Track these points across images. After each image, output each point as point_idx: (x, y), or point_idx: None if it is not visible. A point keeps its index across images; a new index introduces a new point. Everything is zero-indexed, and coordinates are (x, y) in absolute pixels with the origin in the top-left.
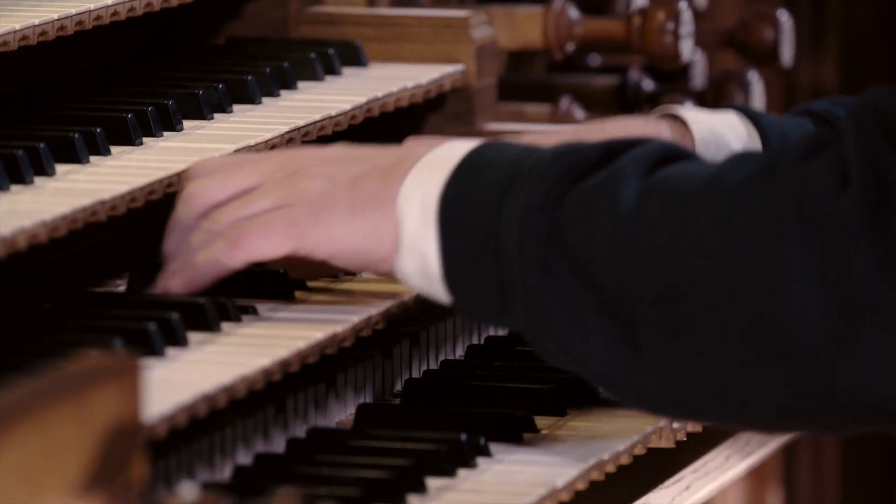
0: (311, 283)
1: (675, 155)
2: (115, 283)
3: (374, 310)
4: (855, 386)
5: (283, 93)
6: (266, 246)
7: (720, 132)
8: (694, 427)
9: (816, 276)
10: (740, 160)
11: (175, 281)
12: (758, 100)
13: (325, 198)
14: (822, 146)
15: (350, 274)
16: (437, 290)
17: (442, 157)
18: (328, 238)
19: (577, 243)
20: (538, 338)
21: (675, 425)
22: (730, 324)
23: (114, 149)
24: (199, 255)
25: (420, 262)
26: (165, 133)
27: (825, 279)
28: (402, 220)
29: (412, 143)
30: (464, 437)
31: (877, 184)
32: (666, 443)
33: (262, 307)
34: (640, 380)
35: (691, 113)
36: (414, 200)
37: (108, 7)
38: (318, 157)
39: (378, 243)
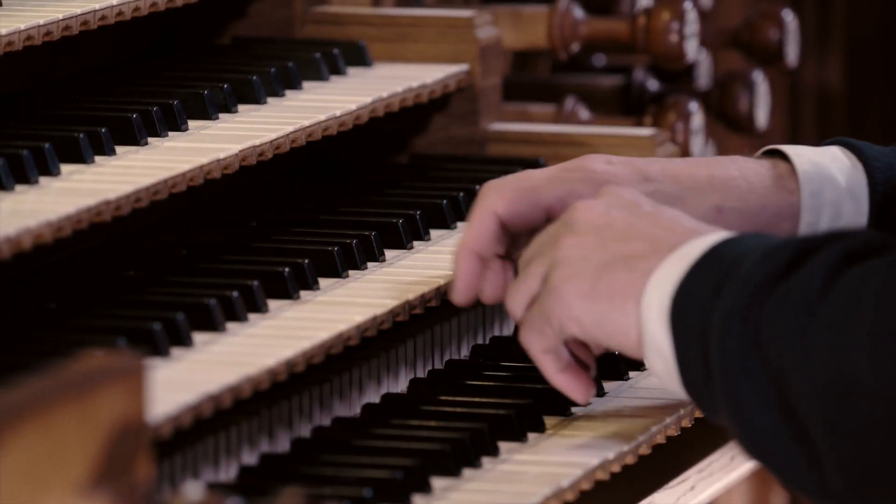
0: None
1: (868, 249)
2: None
3: (379, 310)
4: None
5: (288, 93)
6: (533, 344)
7: (823, 165)
8: (698, 416)
9: None
10: None
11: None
12: (762, 100)
13: (572, 276)
14: None
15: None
16: (679, 390)
17: (686, 250)
18: (569, 318)
19: (770, 346)
20: (737, 435)
21: (682, 411)
22: (885, 418)
23: (119, 149)
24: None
25: (663, 363)
26: (170, 133)
27: None
28: (645, 320)
29: (676, 221)
30: (469, 436)
31: None
32: (672, 431)
33: (271, 304)
34: (826, 484)
35: (794, 148)
36: (654, 300)
37: (112, 7)
38: (589, 223)
39: (610, 335)
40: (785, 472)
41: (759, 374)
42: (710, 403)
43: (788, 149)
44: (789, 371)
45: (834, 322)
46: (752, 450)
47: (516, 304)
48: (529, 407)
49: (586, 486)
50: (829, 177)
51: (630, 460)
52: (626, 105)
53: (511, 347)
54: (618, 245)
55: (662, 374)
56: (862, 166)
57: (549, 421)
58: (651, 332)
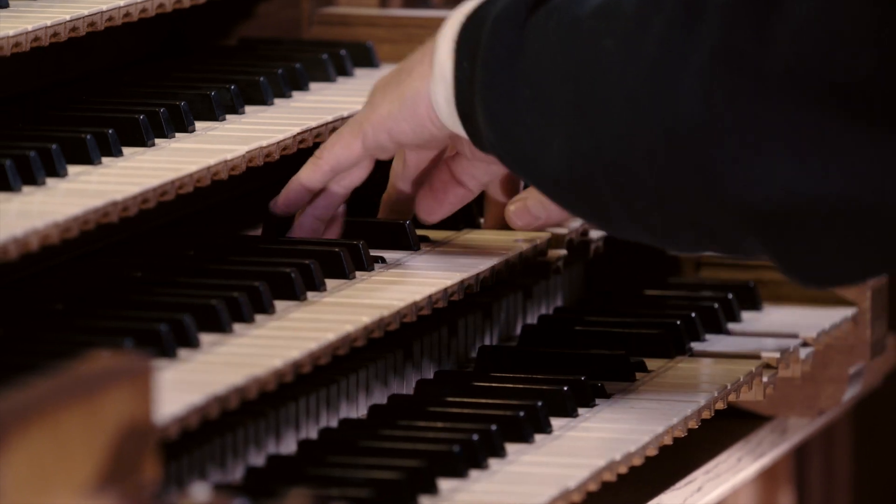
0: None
1: None
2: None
3: (386, 311)
4: (709, 177)
5: (295, 94)
6: (340, 149)
7: None
8: (707, 415)
9: (696, 62)
10: None
11: (277, 200)
12: None
13: (379, 94)
14: None
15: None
16: (454, 116)
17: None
18: (380, 119)
19: (534, 44)
20: (489, 125)
21: (689, 411)
22: (620, 98)
23: (126, 150)
24: (298, 173)
25: (445, 89)
26: (177, 134)
27: (702, 65)
28: (436, 53)
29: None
30: (475, 437)
31: None
32: (679, 432)
33: (278, 305)
34: (546, 161)
35: None
36: (447, 37)
37: (120, 8)
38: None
39: (416, 101)
40: (518, 153)
41: (518, 73)
42: (472, 121)
43: None
44: (547, 62)
45: (596, 15)
46: (498, 138)
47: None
48: (536, 408)
49: (593, 487)
50: None
51: (637, 461)
52: None
53: (517, 349)
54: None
55: (443, 105)
56: None
57: (555, 422)
58: (440, 61)
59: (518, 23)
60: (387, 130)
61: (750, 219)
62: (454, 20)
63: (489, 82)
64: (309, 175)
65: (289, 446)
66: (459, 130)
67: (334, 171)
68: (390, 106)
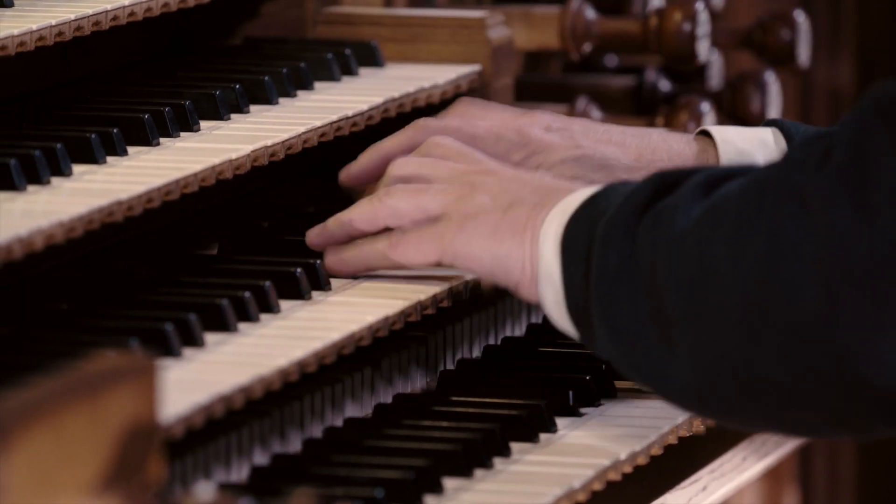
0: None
1: (722, 177)
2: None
3: (391, 310)
4: (843, 366)
5: (300, 93)
6: (416, 255)
7: (748, 153)
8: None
9: (801, 252)
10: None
11: (331, 259)
12: (774, 100)
13: (478, 215)
14: (814, 139)
15: None
16: (566, 321)
17: (575, 195)
18: (467, 254)
19: (644, 252)
20: (607, 337)
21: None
22: (734, 304)
23: (130, 149)
24: (361, 245)
25: (553, 292)
26: (182, 133)
27: (811, 252)
28: (541, 249)
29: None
30: (481, 437)
31: (858, 152)
32: (684, 432)
33: (283, 304)
34: (675, 378)
35: (722, 132)
36: (551, 231)
37: (124, 7)
38: (503, 175)
39: (509, 271)
40: (642, 367)
41: (632, 281)
42: (587, 328)
43: (717, 133)
44: (659, 272)
45: (702, 222)
46: (617, 348)
47: (404, 205)
48: (541, 408)
49: (598, 486)
50: (752, 166)
51: (642, 461)
52: (638, 105)
53: (523, 348)
54: (527, 190)
55: (552, 306)
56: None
57: (560, 422)
58: (545, 260)
59: (628, 231)
60: (468, 268)
61: (881, 401)
62: (555, 219)
63: (608, 298)
64: (379, 259)
65: (294, 446)
66: (568, 329)
67: (399, 266)
68: (481, 254)
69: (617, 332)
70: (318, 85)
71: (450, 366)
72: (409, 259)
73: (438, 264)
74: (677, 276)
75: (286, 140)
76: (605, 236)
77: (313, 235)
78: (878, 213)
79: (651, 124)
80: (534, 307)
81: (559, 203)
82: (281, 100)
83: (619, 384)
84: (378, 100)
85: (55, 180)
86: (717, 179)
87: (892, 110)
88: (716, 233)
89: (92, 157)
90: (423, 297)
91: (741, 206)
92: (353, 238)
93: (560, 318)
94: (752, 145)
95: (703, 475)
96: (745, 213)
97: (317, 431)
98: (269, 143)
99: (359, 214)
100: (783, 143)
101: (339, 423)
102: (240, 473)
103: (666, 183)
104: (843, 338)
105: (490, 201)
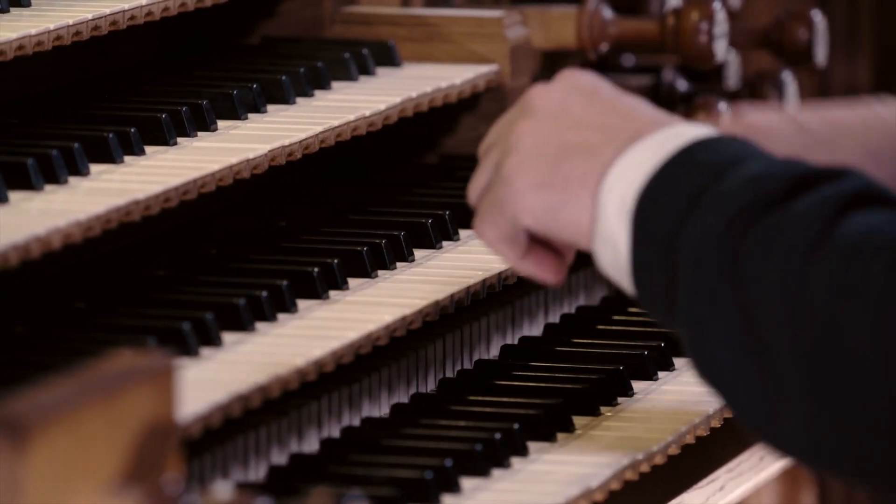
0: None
1: (867, 197)
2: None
3: (409, 310)
4: None
5: (317, 93)
6: (487, 234)
7: None
8: (730, 413)
9: None
10: None
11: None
12: (791, 100)
13: (526, 165)
14: None
15: None
16: (626, 284)
17: (655, 144)
18: (520, 208)
19: (750, 281)
20: (695, 360)
21: (710, 410)
22: (877, 406)
23: (148, 149)
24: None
25: (613, 255)
26: (199, 133)
27: None
28: (601, 209)
29: (635, 109)
30: (498, 436)
31: None
32: (701, 431)
33: (301, 304)
34: (781, 429)
35: None
36: (615, 193)
37: (142, 7)
38: (547, 110)
39: (563, 226)
40: (742, 407)
41: (729, 306)
42: (662, 312)
43: None
44: (772, 317)
45: (833, 282)
46: (709, 379)
47: (473, 194)
48: (559, 407)
49: (616, 486)
50: None
51: (659, 460)
52: (656, 105)
53: (541, 347)
54: (573, 133)
55: (609, 265)
56: None
57: (578, 421)
58: (607, 223)
59: (728, 241)
60: (523, 223)
61: None
62: (619, 179)
63: (700, 325)
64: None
65: (311, 445)
66: (628, 289)
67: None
68: (535, 205)
69: (711, 362)
70: (335, 84)
71: (467, 365)
72: (486, 240)
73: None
74: (799, 339)
75: (303, 140)
76: (701, 243)
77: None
78: None
79: None
80: (551, 306)
81: (624, 156)
82: (298, 99)
83: (633, 385)
84: (395, 99)
85: (73, 180)
86: (863, 197)
87: None
88: (858, 307)
89: (109, 157)
90: (440, 296)
91: (893, 277)
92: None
93: (619, 277)
94: None
95: (721, 474)
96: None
97: (334, 431)
98: (287, 142)
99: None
100: None
101: (356, 422)
102: (257, 473)
103: (778, 185)
104: None
105: (538, 145)
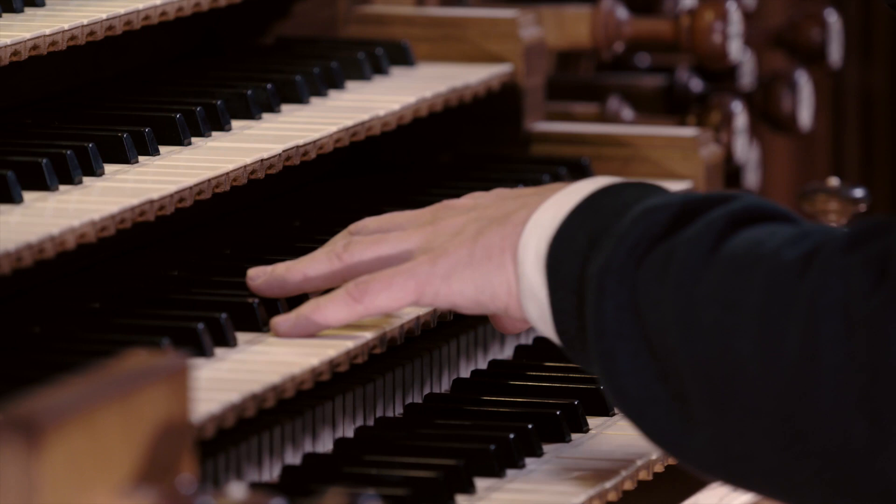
0: None
1: (756, 214)
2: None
3: (423, 309)
4: (884, 490)
5: (332, 93)
6: (387, 300)
7: None
8: None
9: (844, 378)
10: (801, 235)
11: (285, 325)
12: (806, 100)
13: (448, 249)
14: (866, 237)
15: None
16: (552, 334)
17: (564, 197)
18: (447, 290)
19: (648, 309)
20: (610, 392)
21: None
22: (766, 411)
23: (162, 148)
24: (323, 302)
25: (538, 309)
26: (214, 133)
27: (854, 381)
28: (521, 265)
29: (548, 187)
30: (512, 436)
31: None
32: None
33: None
34: (694, 451)
35: None
36: (531, 246)
37: (156, 7)
38: (463, 205)
39: (494, 295)
40: (657, 432)
41: (632, 336)
42: (581, 354)
43: None
44: (669, 339)
45: (719, 297)
46: (624, 409)
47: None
48: (573, 407)
49: (629, 486)
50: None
51: (673, 460)
52: (670, 105)
53: (556, 348)
54: (489, 211)
55: (538, 321)
56: None
57: (592, 421)
58: (528, 277)
59: (626, 275)
60: (451, 304)
61: None
62: (535, 232)
63: (609, 356)
64: (343, 312)
65: (325, 445)
66: (556, 342)
67: (367, 315)
68: (462, 286)
69: (622, 392)
70: (349, 84)
71: (482, 365)
72: (379, 306)
73: (414, 305)
74: (695, 357)
75: (318, 139)
76: (599, 280)
77: (257, 278)
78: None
79: (682, 124)
80: None
81: (536, 212)
82: (312, 99)
83: None
84: (410, 99)
85: (87, 180)
86: (752, 215)
87: None
88: (741, 318)
89: (123, 157)
90: None
91: (774, 290)
92: (303, 291)
93: (548, 333)
94: None
95: None
96: (778, 302)
97: (348, 431)
98: (301, 142)
99: (314, 270)
100: None
101: (370, 422)
102: (271, 473)
103: (666, 215)
104: (884, 464)
105: (457, 232)
